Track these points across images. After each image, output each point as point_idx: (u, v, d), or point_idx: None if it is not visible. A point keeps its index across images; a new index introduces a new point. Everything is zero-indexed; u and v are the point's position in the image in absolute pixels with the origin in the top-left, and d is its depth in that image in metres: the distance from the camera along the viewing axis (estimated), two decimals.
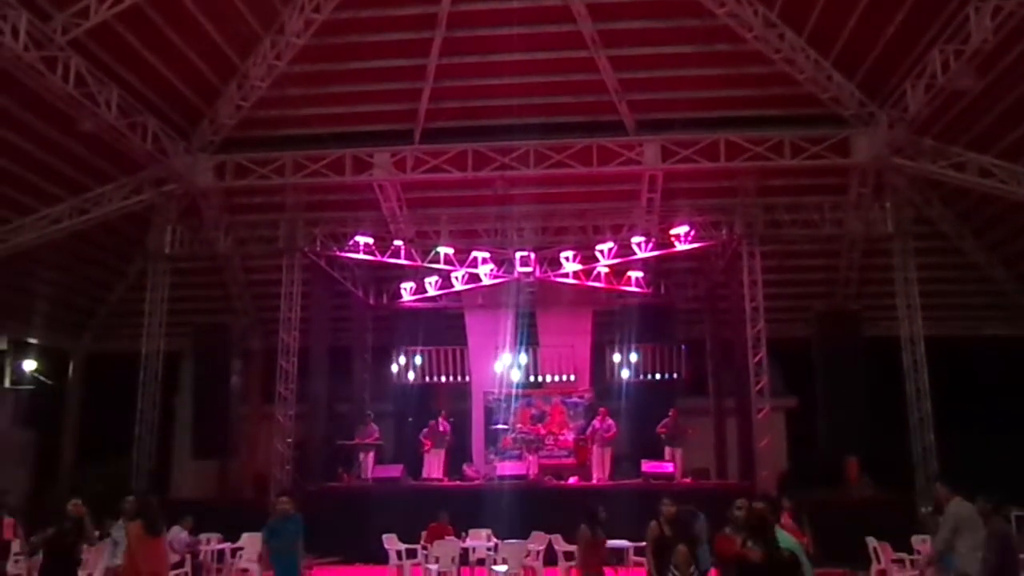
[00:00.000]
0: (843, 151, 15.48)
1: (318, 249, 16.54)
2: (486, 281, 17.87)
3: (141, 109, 14.58)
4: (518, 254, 16.99)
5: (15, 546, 10.85)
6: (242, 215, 17.64)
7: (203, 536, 12.45)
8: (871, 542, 11.93)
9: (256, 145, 16.54)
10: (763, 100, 15.71)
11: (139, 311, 17.25)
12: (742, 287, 15.49)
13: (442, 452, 17.05)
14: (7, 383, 20.15)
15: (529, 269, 17.10)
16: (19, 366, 20.80)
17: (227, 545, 12.65)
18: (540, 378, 19.01)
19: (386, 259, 16.94)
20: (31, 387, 20.58)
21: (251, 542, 12.68)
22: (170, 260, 17.08)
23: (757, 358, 15.09)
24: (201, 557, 12.09)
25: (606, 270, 17.52)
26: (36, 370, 21.17)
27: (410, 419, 18.46)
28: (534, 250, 17.04)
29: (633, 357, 18.80)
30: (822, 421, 15.42)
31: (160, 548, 7.50)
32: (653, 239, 16.48)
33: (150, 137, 14.96)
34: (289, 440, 15.35)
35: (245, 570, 12.26)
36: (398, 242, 16.92)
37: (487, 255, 17.02)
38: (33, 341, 20.86)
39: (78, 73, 12.78)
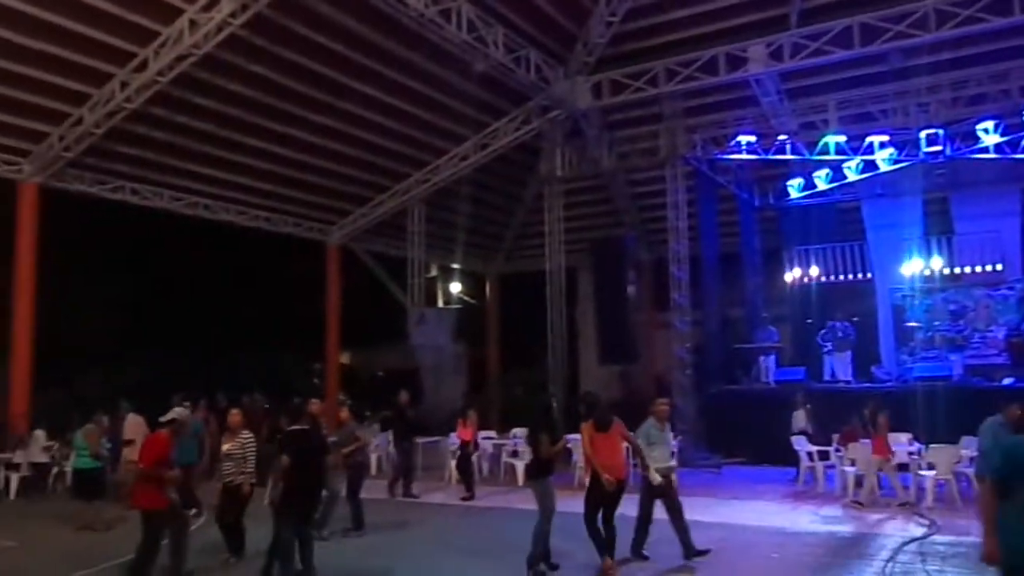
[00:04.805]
0: None
1: (699, 155, 16.33)
2: (885, 168, 16.25)
3: (523, 43, 15.56)
4: (923, 133, 15.11)
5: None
6: (622, 130, 18.08)
7: None
8: None
9: (628, 59, 16.73)
10: None
11: (539, 232, 18.83)
12: None
13: (846, 354, 16.23)
14: (440, 304, 23.51)
15: (938, 148, 15.11)
16: (448, 289, 24.17)
17: None
18: (958, 269, 16.96)
19: (771, 156, 16.20)
20: (458, 306, 23.75)
21: None
22: (561, 182, 18.24)
23: None
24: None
25: None
26: (461, 292, 24.42)
27: (809, 321, 17.75)
28: (943, 126, 15.01)
29: None
30: None
31: (612, 442, 7.72)
32: None
33: (533, 68, 15.98)
34: (687, 345, 15.70)
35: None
36: (782, 137, 16.04)
37: (886, 138, 15.42)
38: (456, 267, 24.03)
39: (469, 20, 14.03)
